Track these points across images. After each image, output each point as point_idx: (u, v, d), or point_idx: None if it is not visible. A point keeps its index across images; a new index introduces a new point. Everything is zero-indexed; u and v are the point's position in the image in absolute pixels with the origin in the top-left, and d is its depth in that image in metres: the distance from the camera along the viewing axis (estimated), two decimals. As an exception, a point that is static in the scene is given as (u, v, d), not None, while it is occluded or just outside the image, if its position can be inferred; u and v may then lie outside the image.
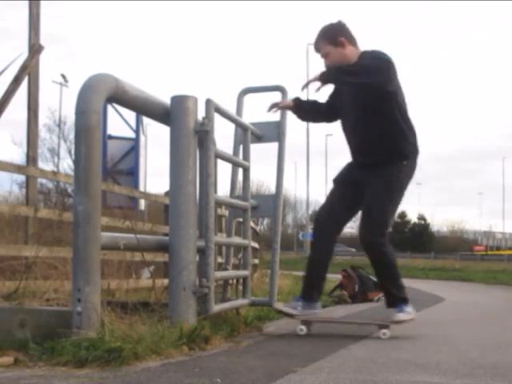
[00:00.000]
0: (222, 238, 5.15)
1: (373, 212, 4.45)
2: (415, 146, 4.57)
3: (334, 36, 4.54)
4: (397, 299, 4.47)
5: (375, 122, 4.47)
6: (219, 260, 6.27)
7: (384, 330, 4.35)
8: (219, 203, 4.65)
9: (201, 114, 4.12)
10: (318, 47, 4.61)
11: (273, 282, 5.04)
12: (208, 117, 4.09)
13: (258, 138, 5.04)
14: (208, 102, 4.15)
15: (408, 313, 4.42)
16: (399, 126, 4.47)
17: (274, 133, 5.06)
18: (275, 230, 5.12)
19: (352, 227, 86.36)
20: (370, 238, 4.43)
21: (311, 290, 4.57)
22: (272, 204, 4.97)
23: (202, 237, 4.12)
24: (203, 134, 4.07)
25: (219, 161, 4.43)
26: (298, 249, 63.89)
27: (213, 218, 4.11)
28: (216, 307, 4.08)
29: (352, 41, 4.60)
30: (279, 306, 4.33)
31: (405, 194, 4.62)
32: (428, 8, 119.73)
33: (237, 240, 4.99)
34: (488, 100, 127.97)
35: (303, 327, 4.39)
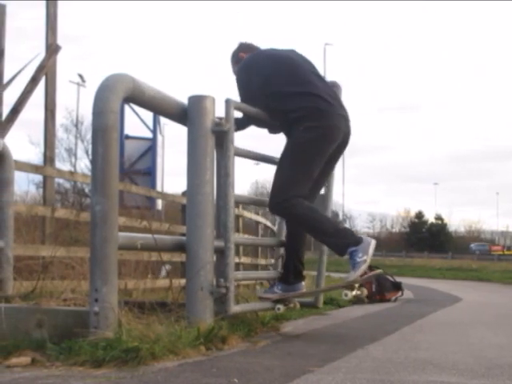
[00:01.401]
0: (241, 237, 5.14)
1: (274, 178, 4.54)
2: (308, 109, 4.47)
3: (235, 56, 5.00)
4: (344, 246, 4.24)
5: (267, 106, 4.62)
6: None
7: (346, 291, 4.27)
8: (239, 202, 4.65)
9: (218, 113, 4.12)
10: (234, 73, 4.96)
11: (319, 283, 5.03)
12: (227, 116, 4.10)
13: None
14: (228, 102, 4.15)
15: (359, 263, 4.13)
16: (280, 102, 4.54)
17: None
18: None
19: (369, 227, 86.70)
20: (270, 203, 4.51)
21: (287, 274, 4.74)
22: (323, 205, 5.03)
23: (219, 237, 4.13)
24: (221, 134, 4.07)
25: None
26: (316, 248, 64.05)
27: (232, 218, 4.12)
28: (236, 308, 4.07)
29: (249, 50, 4.95)
30: (259, 293, 4.42)
31: (317, 159, 4.46)
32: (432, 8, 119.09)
33: (258, 241, 4.99)
34: (506, 99, 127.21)
35: (280, 306, 4.55)
